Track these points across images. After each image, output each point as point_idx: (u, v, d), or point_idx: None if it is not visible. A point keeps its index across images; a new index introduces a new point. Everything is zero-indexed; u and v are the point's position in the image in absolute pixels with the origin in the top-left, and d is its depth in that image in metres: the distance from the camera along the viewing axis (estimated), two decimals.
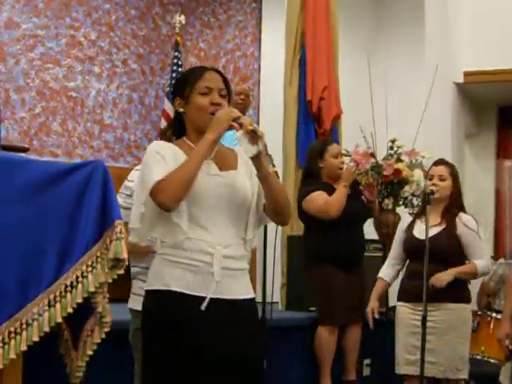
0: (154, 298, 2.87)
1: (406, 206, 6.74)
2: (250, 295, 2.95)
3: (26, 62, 7.56)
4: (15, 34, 7.50)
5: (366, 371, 5.94)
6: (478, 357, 5.79)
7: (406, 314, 4.87)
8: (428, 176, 5.02)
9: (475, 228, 4.87)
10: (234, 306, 2.84)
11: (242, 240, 2.93)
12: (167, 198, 2.75)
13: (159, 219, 2.85)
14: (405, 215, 5.25)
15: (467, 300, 4.90)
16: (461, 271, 4.79)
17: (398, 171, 6.50)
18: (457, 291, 4.79)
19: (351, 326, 5.59)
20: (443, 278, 4.71)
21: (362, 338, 5.64)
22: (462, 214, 4.92)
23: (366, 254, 5.81)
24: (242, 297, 2.89)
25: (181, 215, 2.81)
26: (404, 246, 5.00)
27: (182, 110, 3.00)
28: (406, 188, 6.68)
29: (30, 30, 7.60)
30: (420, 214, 5.02)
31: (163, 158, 2.83)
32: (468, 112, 8.42)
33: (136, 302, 3.56)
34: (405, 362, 4.84)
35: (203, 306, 2.77)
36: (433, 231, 4.75)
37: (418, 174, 6.54)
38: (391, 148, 6.82)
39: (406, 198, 6.73)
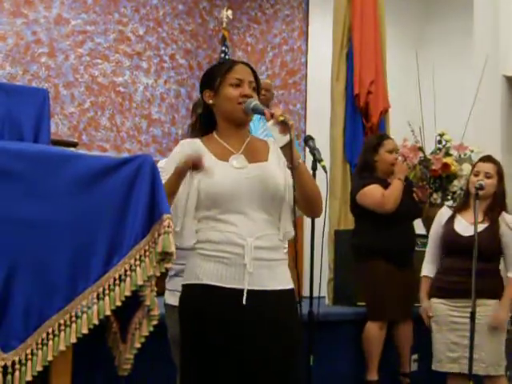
0: (188, 292, 2.92)
1: (454, 201, 6.68)
2: (286, 286, 2.93)
3: (75, 58, 7.64)
4: (64, 30, 7.59)
5: (414, 366, 5.91)
6: None
7: (444, 311, 4.83)
8: (473, 171, 4.94)
9: None
10: (268, 296, 2.84)
11: (277, 230, 2.93)
12: None
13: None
14: (442, 209, 5.16)
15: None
16: (507, 298, 4.79)
17: (446, 165, 6.44)
18: (495, 288, 4.76)
19: (402, 322, 5.56)
20: (502, 318, 4.72)
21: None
22: (505, 214, 4.87)
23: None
24: (276, 287, 2.88)
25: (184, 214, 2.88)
26: (443, 240, 4.93)
27: (211, 101, 3.01)
28: (455, 182, 6.62)
29: (78, 26, 7.68)
30: (461, 208, 4.96)
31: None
32: None
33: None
34: (447, 359, 4.80)
35: (244, 301, 2.79)
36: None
37: (466, 169, 6.47)
38: (439, 142, 6.76)
39: (454, 193, 6.67)
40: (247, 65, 3.06)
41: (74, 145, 5.66)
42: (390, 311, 5.43)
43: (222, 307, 2.81)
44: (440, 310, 4.86)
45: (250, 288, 2.81)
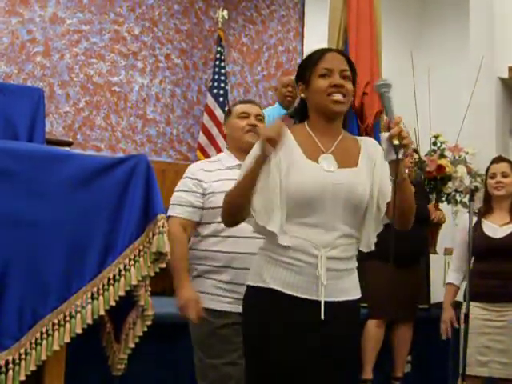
0: (255, 294, 2.80)
1: (448, 203, 6.69)
2: (353, 296, 2.84)
3: (71, 57, 7.63)
4: (60, 29, 7.57)
5: (407, 368, 5.90)
6: None
7: (479, 315, 4.76)
8: (489, 174, 4.89)
9: None
10: (335, 307, 2.73)
11: (355, 240, 2.82)
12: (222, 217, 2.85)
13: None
14: (463, 215, 5.11)
15: None
16: None
17: (441, 167, 6.46)
18: None
19: (401, 323, 5.55)
20: None
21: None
22: None
23: None
24: (343, 298, 2.78)
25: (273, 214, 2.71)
26: (474, 246, 4.81)
27: (303, 95, 2.89)
28: (449, 184, 6.63)
29: (74, 26, 7.67)
30: (484, 213, 4.89)
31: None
32: None
33: (211, 302, 3.47)
34: (477, 363, 4.73)
35: (322, 315, 2.68)
36: (505, 230, 4.68)
37: (461, 170, 6.49)
38: (434, 144, 6.78)
39: (449, 194, 6.69)
40: (340, 52, 2.95)
41: (69, 144, 5.65)
42: (390, 310, 5.41)
43: (293, 316, 2.70)
44: (475, 314, 4.78)
45: (318, 299, 2.71)
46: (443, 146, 6.70)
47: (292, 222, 2.72)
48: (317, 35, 8.34)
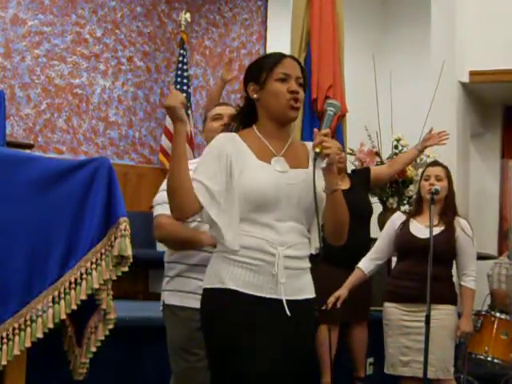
0: (213, 296, 2.77)
1: (410, 206, 6.74)
2: (310, 295, 2.88)
3: (32, 59, 7.57)
4: (21, 30, 7.51)
5: (369, 370, 5.94)
6: (482, 357, 5.76)
7: (397, 315, 4.86)
8: (424, 176, 5.00)
9: (471, 234, 4.89)
10: (293, 307, 2.75)
11: (306, 239, 2.84)
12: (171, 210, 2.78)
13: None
14: (396, 214, 5.19)
15: (454, 302, 4.92)
16: (469, 308, 4.86)
17: (402, 170, 6.50)
18: (446, 293, 4.81)
19: (356, 325, 5.58)
20: (468, 330, 4.81)
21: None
22: (458, 218, 4.93)
23: None
24: (300, 297, 2.81)
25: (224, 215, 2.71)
26: (398, 243, 4.94)
27: (256, 96, 2.85)
28: (411, 187, 6.69)
29: (35, 27, 7.61)
30: (414, 214, 5.00)
31: (216, 158, 2.73)
32: (473, 112, 8.40)
33: (194, 300, 3.39)
34: (400, 363, 4.84)
35: (287, 312, 2.70)
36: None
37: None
38: (396, 147, 6.83)
39: (410, 198, 6.74)
40: (295, 59, 2.93)
41: (30, 147, 5.61)
42: (340, 313, 5.43)
43: (254, 315, 2.69)
44: (392, 314, 4.89)
45: (276, 297, 2.72)
46: (405, 149, 6.76)
47: (248, 222, 2.72)
48: (280, 38, 8.37)
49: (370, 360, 5.94)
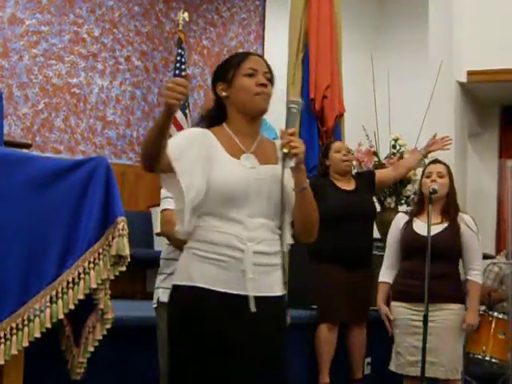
0: (181, 293, 2.76)
1: (408, 205, 6.74)
2: (279, 293, 2.85)
3: (29, 58, 7.56)
4: (19, 30, 7.51)
5: (367, 370, 5.94)
6: (479, 356, 5.77)
7: (405, 315, 4.85)
8: (425, 174, 4.99)
9: (475, 229, 4.89)
10: (262, 303, 2.73)
11: (276, 235, 2.82)
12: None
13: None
14: (398, 215, 5.18)
15: (462, 300, 4.91)
16: (476, 301, 4.86)
17: None
18: (454, 292, 4.80)
19: (355, 325, 5.56)
20: (474, 323, 4.80)
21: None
22: (461, 214, 4.93)
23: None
24: (270, 294, 2.79)
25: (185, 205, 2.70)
26: (403, 242, 4.94)
27: (224, 94, 2.87)
28: (409, 187, 6.69)
29: (33, 26, 7.60)
30: (417, 213, 4.99)
31: (190, 139, 2.76)
32: (471, 111, 8.41)
33: None
34: (408, 363, 4.82)
35: (252, 308, 2.69)
36: (435, 229, 4.73)
37: (420, 174, 6.53)
38: (394, 147, 6.82)
39: (408, 197, 6.74)
40: (261, 57, 2.96)
41: (28, 146, 5.60)
42: (339, 313, 5.44)
43: (221, 312, 2.68)
44: (400, 314, 4.87)
45: (244, 294, 2.70)
46: (402, 148, 6.76)
47: (218, 218, 2.73)
48: (277, 38, 8.37)
49: (368, 360, 5.93)
